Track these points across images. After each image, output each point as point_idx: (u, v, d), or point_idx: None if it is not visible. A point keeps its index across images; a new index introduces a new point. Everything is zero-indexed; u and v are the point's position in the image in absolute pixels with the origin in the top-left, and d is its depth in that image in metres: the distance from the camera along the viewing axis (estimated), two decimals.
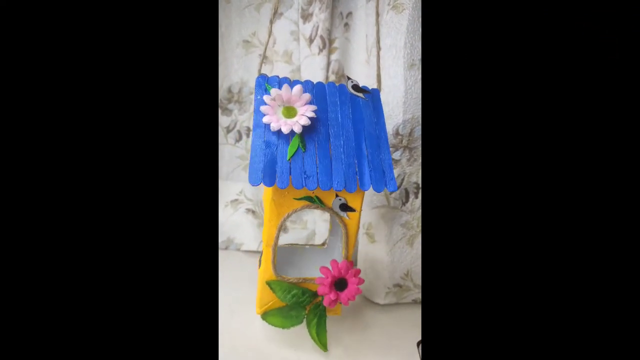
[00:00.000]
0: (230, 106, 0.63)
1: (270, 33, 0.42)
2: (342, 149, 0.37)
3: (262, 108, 0.36)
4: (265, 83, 0.38)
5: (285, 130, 0.35)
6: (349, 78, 0.40)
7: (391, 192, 0.50)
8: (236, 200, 0.66)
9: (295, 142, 0.36)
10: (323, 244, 0.48)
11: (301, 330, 0.46)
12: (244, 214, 0.65)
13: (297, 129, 0.36)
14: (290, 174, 0.35)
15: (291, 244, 0.49)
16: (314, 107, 0.37)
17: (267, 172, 0.34)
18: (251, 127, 0.64)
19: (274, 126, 0.36)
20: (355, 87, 0.40)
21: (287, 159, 0.35)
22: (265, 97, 0.36)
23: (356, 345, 0.46)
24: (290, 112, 0.37)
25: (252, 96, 0.62)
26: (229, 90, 0.62)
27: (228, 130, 0.64)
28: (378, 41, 0.41)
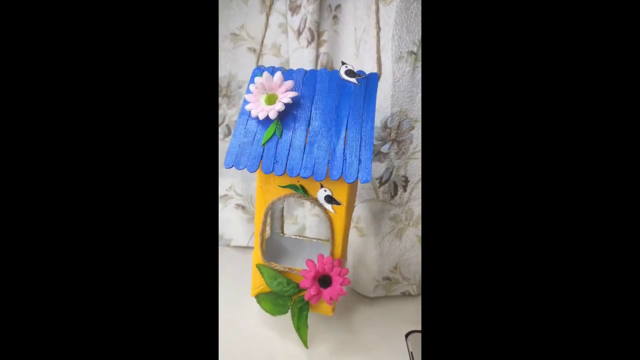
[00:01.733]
0: (219, 100, 0.62)
1: (266, 27, 0.42)
2: (319, 136, 0.36)
3: (247, 96, 0.37)
4: (259, 74, 0.38)
5: (261, 116, 0.36)
6: (343, 63, 0.39)
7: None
8: (225, 195, 0.65)
9: (272, 128, 0.36)
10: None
11: (289, 323, 0.45)
12: (233, 210, 0.64)
13: (272, 115, 0.36)
14: (261, 158, 0.36)
15: (298, 236, 0.48)
16: (293, 94, 0.36)
17: (240, 156, 0.36)
18: None
19: (253, 113, 0.37)
20: (349, 72, 0.38)
21: (262, 144, 0.36)
22: (251, 86, 0.37)
23: (345, 338, 0.45)
24: (271, 99, 0.37)
25: (241, 90, 0.62)
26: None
27: None
28: (378, 22, 0.39)
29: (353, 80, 0.38)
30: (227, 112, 0.62)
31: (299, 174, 0.35)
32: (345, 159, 0.35)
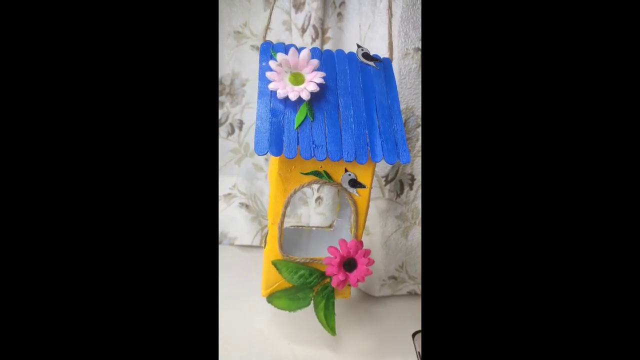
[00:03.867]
0: (222, 98, 0.61)
1: (269, 22, 0.42)
2: (352, 119, 0.34)
3: (268, 74, 0.33)
4: (270, 49, 0.36)
5: (292, 97, 0.33)
6: (359, 46, 0.38)
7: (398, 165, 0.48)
8: (229, 194, 0.64)
9: (303, 111, 0.33)
10: (330, 226, 0.46)
11: (294, 322, 0.45)
12: (237, 208, 0.63)
13: (305, 96, 0.33)
14: (298, 143, 0.32)
15: (297, 226, 0.46)
16: (322, 74, 0.34)
17: (273, 141, 0.32)
18: (244, 120, 0.62)
19: (280, 93, 0.33)
20: (366, 55, 0.37)
21: (295, 127, 0.33)
22: (272, 63, 0.34)
23: (352, 337, 0.44)
24: (297, 78, 0.34)
25: (245, 88, 0.61)
26: (221, 82, 0.60)
27: (220, 123, 0.62)
28: (390, 7, 0.39)
29: (371, 63, 0.37)
30: (230, 110, 0.61)
31: (341, 158, 0.33)
32: (384, 141, 0.34)
